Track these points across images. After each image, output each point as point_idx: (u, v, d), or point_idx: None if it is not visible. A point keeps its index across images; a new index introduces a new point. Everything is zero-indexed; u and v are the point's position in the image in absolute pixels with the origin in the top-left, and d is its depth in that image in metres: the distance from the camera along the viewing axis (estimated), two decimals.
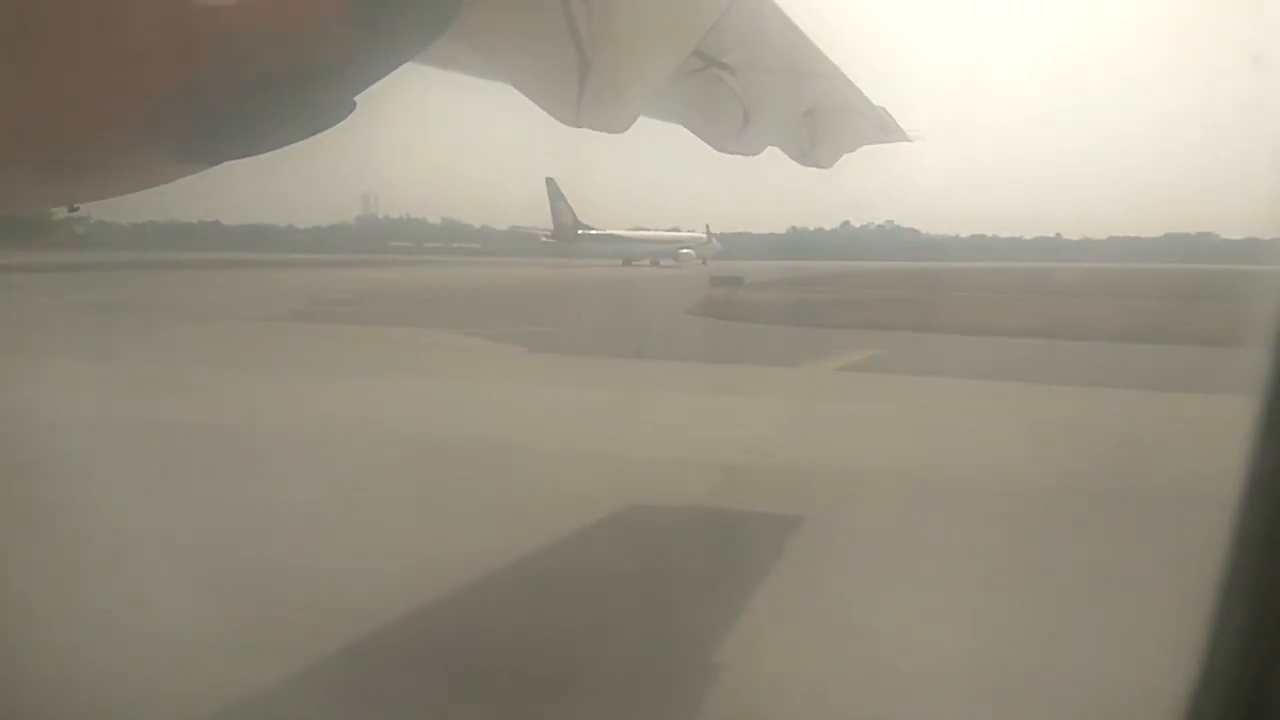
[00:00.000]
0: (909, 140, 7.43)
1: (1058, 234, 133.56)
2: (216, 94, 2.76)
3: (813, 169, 6.92)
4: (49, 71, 2.59)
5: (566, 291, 41.29)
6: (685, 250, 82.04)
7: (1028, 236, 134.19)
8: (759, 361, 18.38)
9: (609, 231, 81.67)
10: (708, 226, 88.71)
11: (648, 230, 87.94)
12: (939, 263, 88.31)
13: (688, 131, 5.73)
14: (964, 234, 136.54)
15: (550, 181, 77.93)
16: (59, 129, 2.70)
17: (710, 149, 6.06)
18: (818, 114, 6.46)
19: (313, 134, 3.04)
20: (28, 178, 2.95)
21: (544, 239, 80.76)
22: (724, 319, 26.81)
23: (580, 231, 79.34)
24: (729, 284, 42.83)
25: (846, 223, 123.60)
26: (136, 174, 3.30)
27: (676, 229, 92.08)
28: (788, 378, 16.48)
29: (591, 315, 28.61)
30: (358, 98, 3.08)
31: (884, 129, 7.01)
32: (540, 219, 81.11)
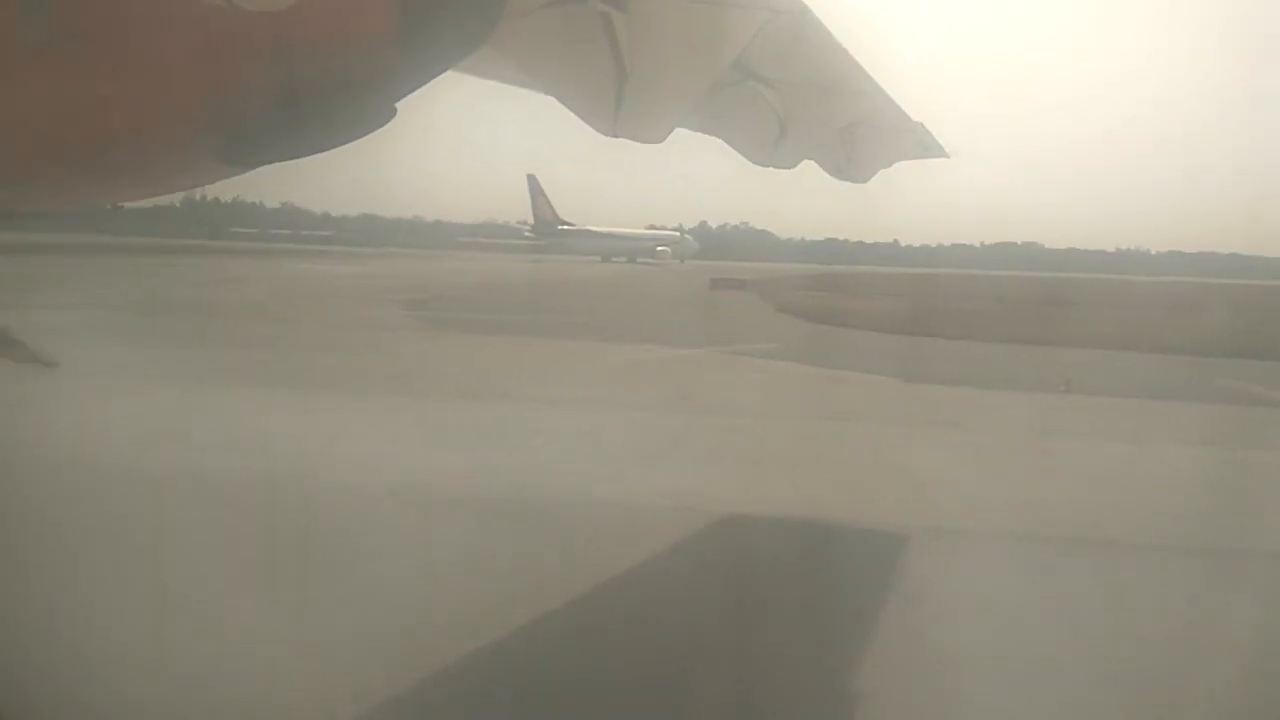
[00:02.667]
0: (946, 156, 7.39)
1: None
2: (262, 99, 2.83)
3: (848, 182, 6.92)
4: (101, 75, 2.67)
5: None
6: (662, 248, 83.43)
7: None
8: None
9: (588, 228, 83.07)
10: (680, 225, 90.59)
11: (624, 228, 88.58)
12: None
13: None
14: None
15: (531, 178, 79.88)
16: (110, 131, 2.78)
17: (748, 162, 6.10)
18: (855, 129, 6.44)
19: (354, 139, 3.10)
20: (79, 177, 3.04)
21: (526, 234, 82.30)
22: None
23: (561, 228, 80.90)
24: (732, 286, 42.95)
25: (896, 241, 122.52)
26: (182, 174, 3.39)
27: (653, 227, 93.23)
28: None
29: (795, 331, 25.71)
30: (398, 104, 3.13)
31: (922, 144, 6.98)
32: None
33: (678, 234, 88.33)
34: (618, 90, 4.28)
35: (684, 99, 4.59)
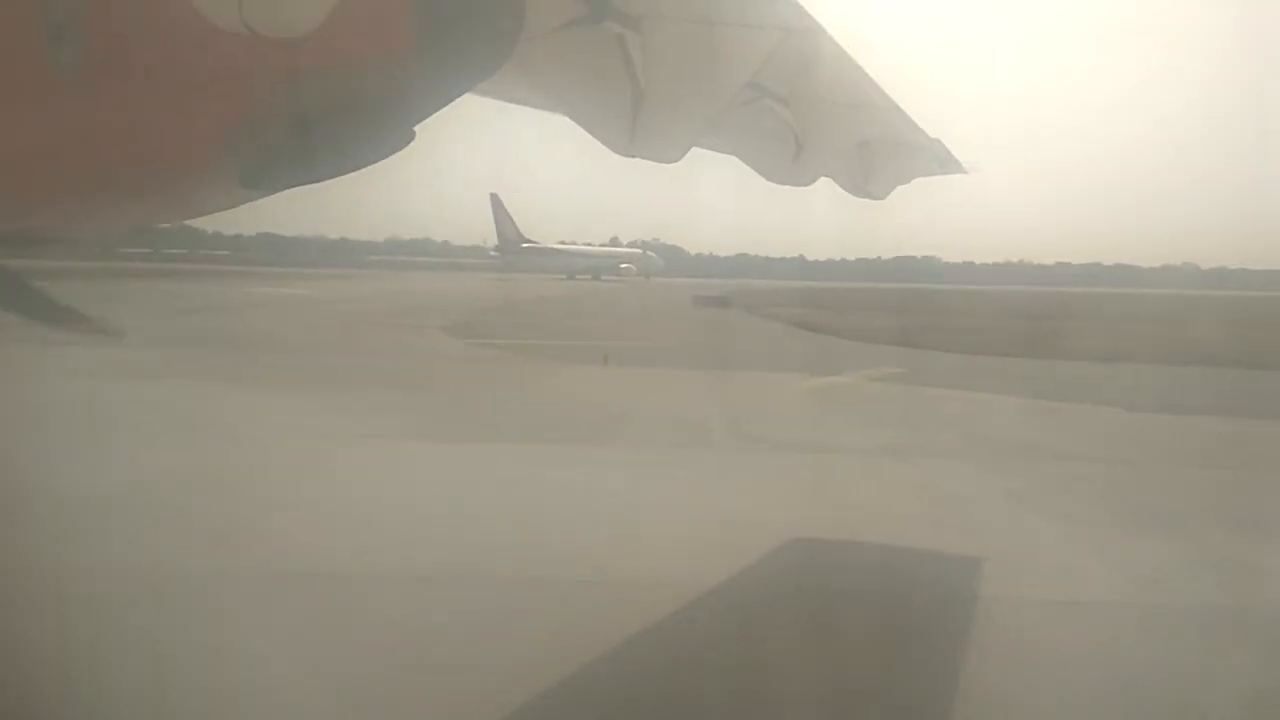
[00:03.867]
0: (965, 172, 7.36)
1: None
2: (282, 123, 2.88)
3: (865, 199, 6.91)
4: (126, 100, 2.72)
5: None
6: (626, 265, 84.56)
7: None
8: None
9: (551, 245, 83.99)
10: (642, 242, 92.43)
11: (588, 245, 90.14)
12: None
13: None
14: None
15: (494, 197, 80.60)
16: (134, 155, 2.83)
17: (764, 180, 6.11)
18: (872, 146, 6.44)
19: (373, 162, 3.14)
20: (103, 201, 3.10)
21: (491, 253, 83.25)
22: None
23: (525, 245, 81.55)
24: (717, 303, 42.90)
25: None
26: (206, 199, 3.44)
27: (615, 242, 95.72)
28: None
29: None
30: (417, 127, 3.17)
31: (940, 161, 6.96)
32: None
33: (640, 251, 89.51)
34: (633, 111, 4.32)
35: (699, 118, 4.62)
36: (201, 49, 2.57)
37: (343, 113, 2.92)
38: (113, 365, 14.34)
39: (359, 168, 3.19)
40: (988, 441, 12.76)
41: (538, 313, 37.00)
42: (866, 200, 6.91)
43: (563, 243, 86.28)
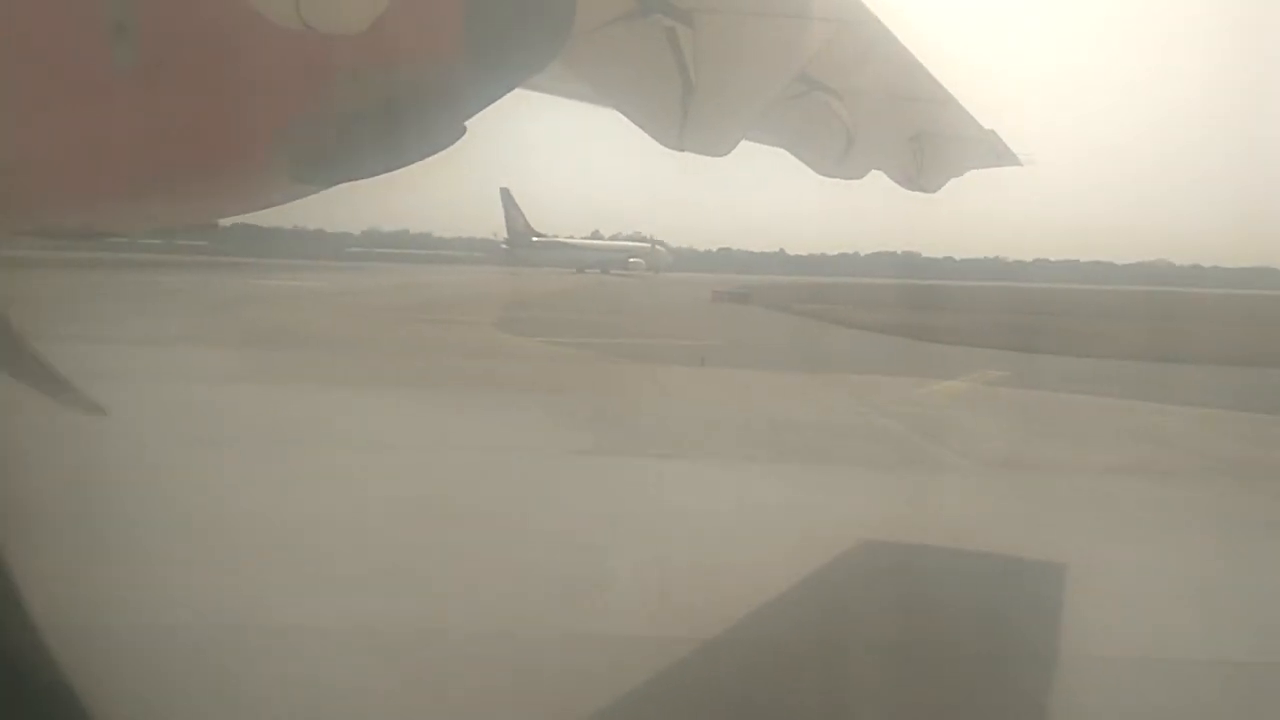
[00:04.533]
0: (1020, 164, 7.20)
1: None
2: (335, 119, 2.89)
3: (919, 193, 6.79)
4: (184, 97, 2.75)
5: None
6: (635, 259, 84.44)
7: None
8: None
9: (561, 240, 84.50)
10: (651, 237, 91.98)
11: (598, 239, 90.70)
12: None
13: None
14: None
15: (504, 191, 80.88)
16: (191, 151, 2.87)
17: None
18: (925, 138, 6.33)
19: (424, 157, 3.15)
20: (163, 198, 3.14)
21: (502, 246, 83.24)
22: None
23: (535, 239, 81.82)
24: (736, 298, 42.62)
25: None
26: (260, 194, 3.47)
27: (617, 237, 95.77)
28: None
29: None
30: (467, 122, 3.17)
31: (994, 153, 6.82)
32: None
33: (649, 245, 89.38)
34: (683, 104, 4.28)
35: (750, 112, 4.57)
36: (257, 45, 2.58)
37: (394, 108, 2.92)
38: (187, 368, 14.09)
39: (410, 163, 3.20)
40: (1231, 462, 11.58)
41: (574, 308, 36.51)
42: (918, 193, 6.80)
43: (571, 237, 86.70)
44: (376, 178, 3.15)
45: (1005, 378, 18.28)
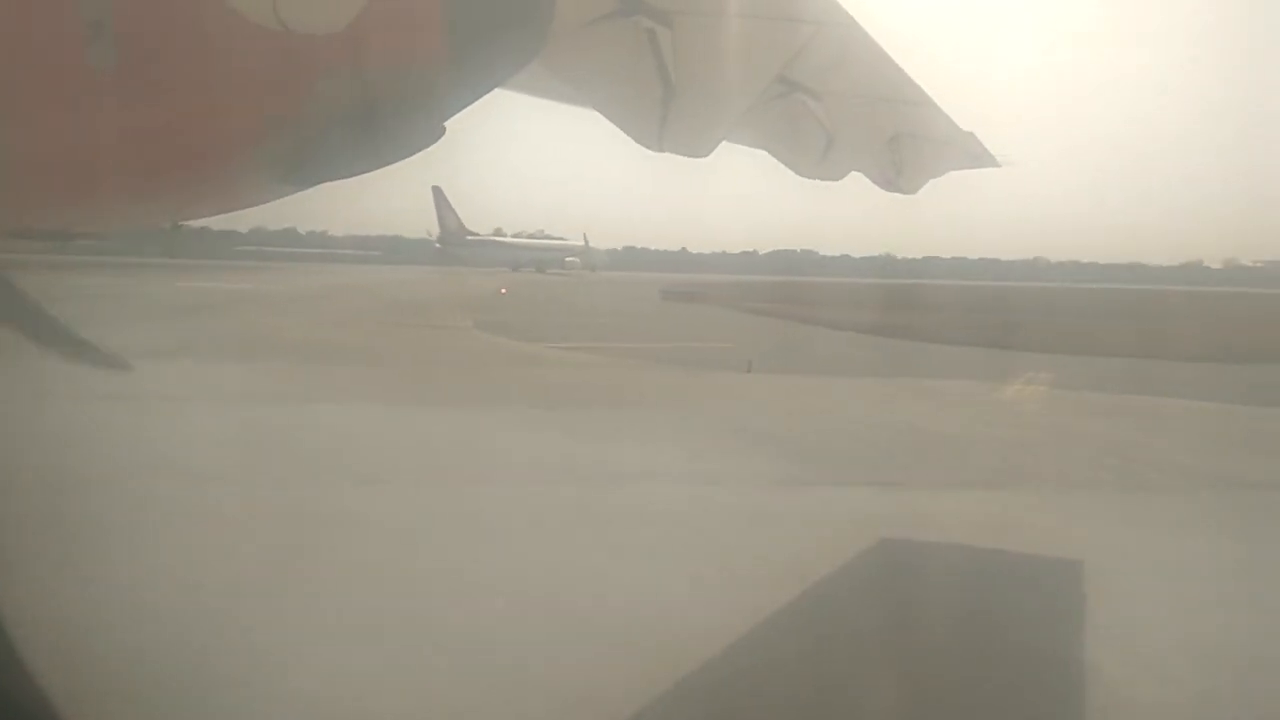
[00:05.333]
0: (998, 165, 7.26)
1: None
2: (317, 120, 2.90)
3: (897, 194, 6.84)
4: (164, 97, 2.75)
5: None
6: (571, 258, 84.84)
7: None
8: None
9: (495, 239, 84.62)
10: (585, 236, 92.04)
11: (530, 238, 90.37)
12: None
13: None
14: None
15: (436, 190, 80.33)
16: (172, 152, 2.86)
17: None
18: (903, 139, 6.38)
19: (404, 157, 3.16)
20: (141, 197, 3.13)
21: (436, 246, 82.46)
22: None
23: (468, 238, 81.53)
24: (685, 297, 42.86)
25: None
26: (241, 194, 3.47)
27: (541, 235, 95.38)
28: None
29: None
30: (447, 123, 3.18)
31: (973, 154, 6.87)
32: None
33: (583, 244, 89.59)
34: (663, 106, 4.30)
35: (729, 113, 4.60)
36: (236, 45, 2.58)
37: (374, 108, 2.93)
38: (220, 386, 12.96)
39: (391, 163, 3.21)
40: None
41: (539, 309, 35.68)
42: (897, 195, 6.84)
43: (506, 235, 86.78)
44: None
45: (1055, 379, 17.76)
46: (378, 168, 3.23)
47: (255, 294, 37.00)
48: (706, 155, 4.67)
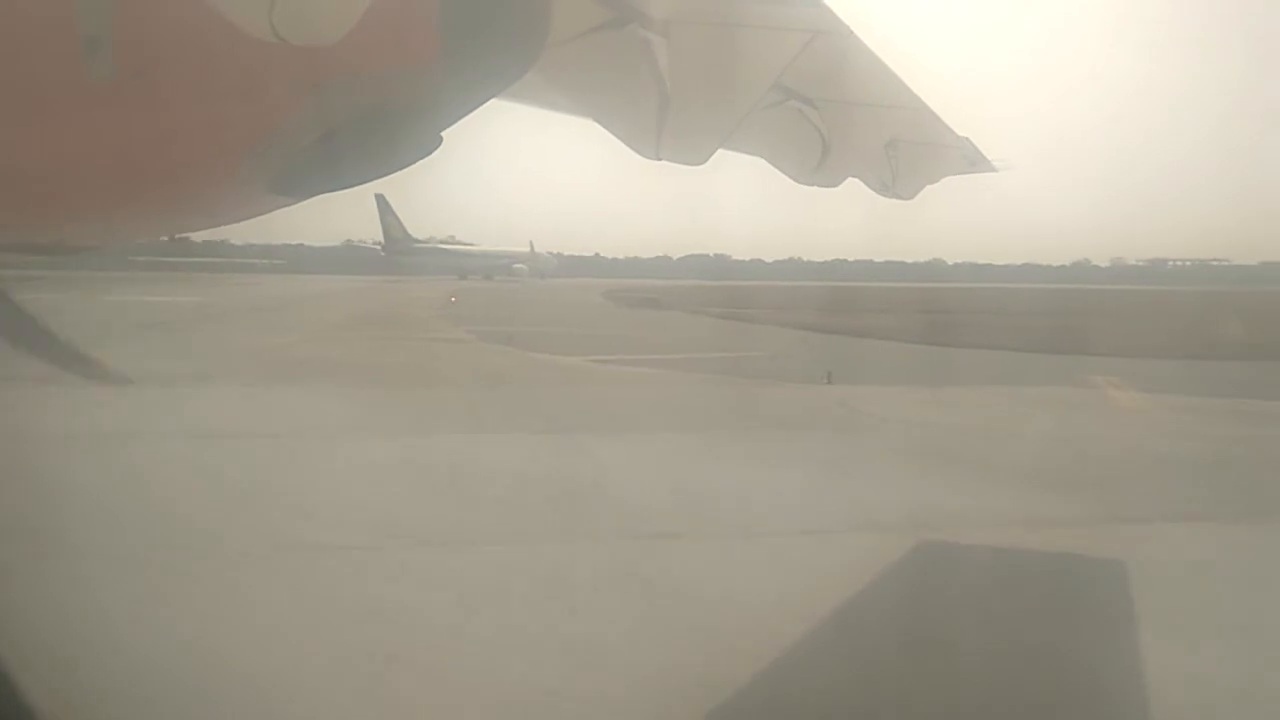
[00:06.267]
0: (995, 170, 7.28)
1: None
2: (311, 130, 2.90)
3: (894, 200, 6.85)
4: (158, 110, 2.75)
5: None
6: (519, 265, 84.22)
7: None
8: None
9: (441, 245, 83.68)
10: (532, 243, 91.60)
11: (478, 245, 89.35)
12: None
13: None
14: None
15: (379, 197, 79.16)
16: (166, 165, 2.86)
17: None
18: (900, 146, 6.39)
19: (401, 168, 3.16)
20: (140, 213, 3.13)
21: (382, 254, 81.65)
22: None
23: (415, 245, 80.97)
24: (647, 304, 42.97)
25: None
26: (235, 207, 3.47)
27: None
28: None
29: None
30: (443, 133, 3.18)
31: (969, 160, 6.89)
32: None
33: (529, 250, 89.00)
34: (660, 114, 4.31)
35: (726, 121, 4.60)
36: (231, 57, 2.58)
37: (370, 119, 2.93)
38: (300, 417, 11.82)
39: (387, 174, 3.21)
40: None
41: (533, 318, 34.59)
42: (894, 200, 6.85)
43: (453, 242, 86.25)
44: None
45: (1135, 383, 17.39)
46: (375, 178, 3.23)
47: (209, 307, 35.24)
48: (703, 163, 4.68)
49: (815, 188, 6.06)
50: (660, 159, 4.52)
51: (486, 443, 11.17)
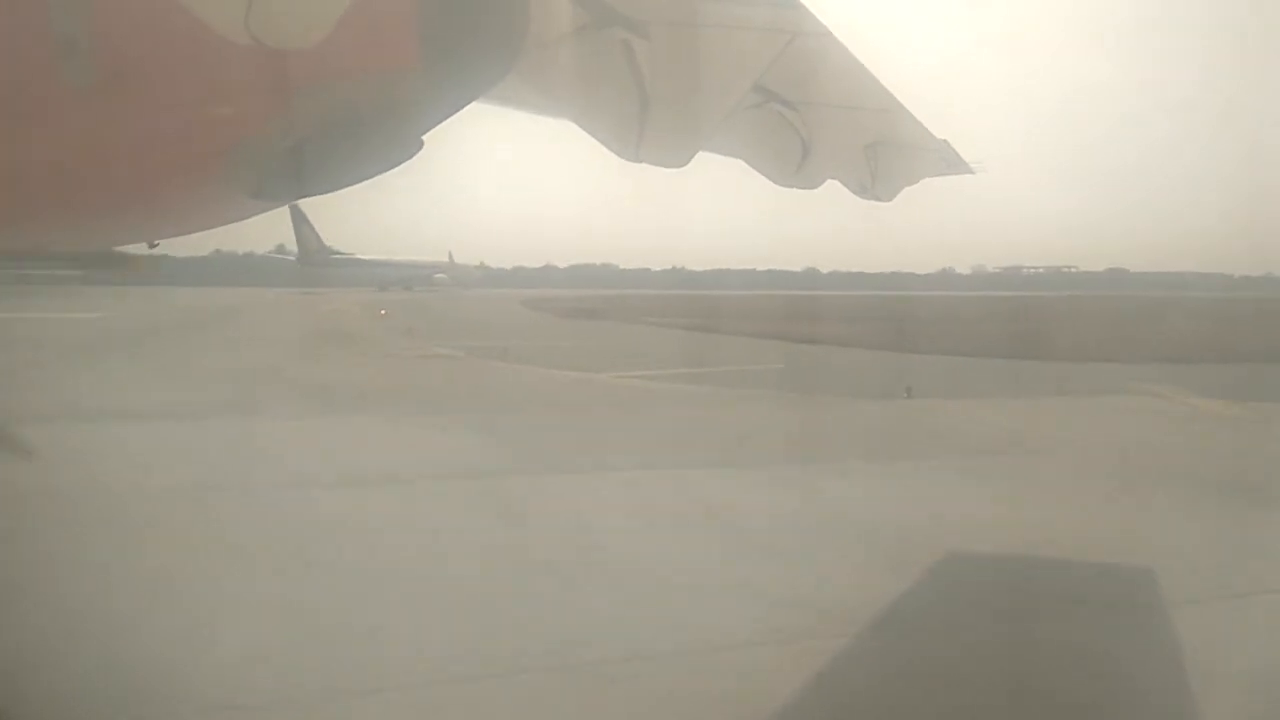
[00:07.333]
0: (972, 172, 7.34)
1: None
2: (291, 134, 2.89)
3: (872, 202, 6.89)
4: (137, 115, 2.73)
5: None
6: (439, 275, 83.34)
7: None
8: None
9: (359, 256, 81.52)
10: (450, 253, 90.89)
11: (395, 255, 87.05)
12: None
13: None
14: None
15: (294, 208, 75.43)
16: (146, 170, 2.84)
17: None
18: (878, 148, 6.43)
19: (382, 172, 3.15)
20: (115, 216, 3.11)
21: (298, 264, 79.31)
22: None
23: (332, 256, 79.03)
24: (588, 315, 43.38)
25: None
26: (216, 212, 3.45)
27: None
28: None
29: None
30: (425, 136, 3.18)
31: (947, 162, 6.94)
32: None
33: (448, 260, 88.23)
34: (640, 116, 4.32)
35: (706, 123, 4.62)
36: (209, 62, 2.57)
37: (350, 123, 2.93)
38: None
39: (368, 178, 3.20)
40: None
41: (514, 331, 32.77)
42: (873, 202, 6.89)
43: (368, 254, 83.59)
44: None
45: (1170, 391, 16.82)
46: (355, 182, 3.23)
47: (119, 322, 31.38)
48: (684, 165, 4.69)
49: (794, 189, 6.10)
50: (640, 161, 4.53)
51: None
